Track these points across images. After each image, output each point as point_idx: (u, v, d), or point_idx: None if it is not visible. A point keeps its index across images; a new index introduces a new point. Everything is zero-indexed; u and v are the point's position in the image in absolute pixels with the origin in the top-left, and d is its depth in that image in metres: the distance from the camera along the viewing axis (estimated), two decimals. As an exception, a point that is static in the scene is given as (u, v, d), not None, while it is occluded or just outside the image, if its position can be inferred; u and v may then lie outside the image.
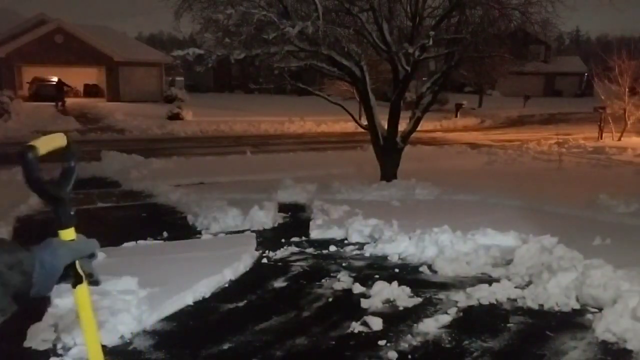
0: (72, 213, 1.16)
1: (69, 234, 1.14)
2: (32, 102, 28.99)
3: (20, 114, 22.12)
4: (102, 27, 38.53)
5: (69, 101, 31.47)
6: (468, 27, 9.37)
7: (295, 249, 6.66)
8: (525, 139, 19.28)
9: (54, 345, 4.08)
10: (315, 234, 7.17)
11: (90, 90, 37.35)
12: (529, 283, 5.41)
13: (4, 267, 0.99)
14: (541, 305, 5.02)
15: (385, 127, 10.04)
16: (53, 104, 28.61)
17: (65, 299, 4.40)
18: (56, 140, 1.23)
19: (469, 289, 5.29)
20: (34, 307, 4.45)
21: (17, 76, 33.09)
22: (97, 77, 37.07)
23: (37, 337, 4.11)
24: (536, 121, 30.00)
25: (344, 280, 5.59)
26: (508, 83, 36.21)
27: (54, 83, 30.77)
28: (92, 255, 1.21)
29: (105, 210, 8.73)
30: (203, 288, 5.17)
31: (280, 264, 6.21)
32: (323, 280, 5.65)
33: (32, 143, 1.11)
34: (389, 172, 9.98)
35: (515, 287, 5.33)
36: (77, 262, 1.14)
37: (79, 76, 36.54)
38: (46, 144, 1.17)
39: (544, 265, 5.51)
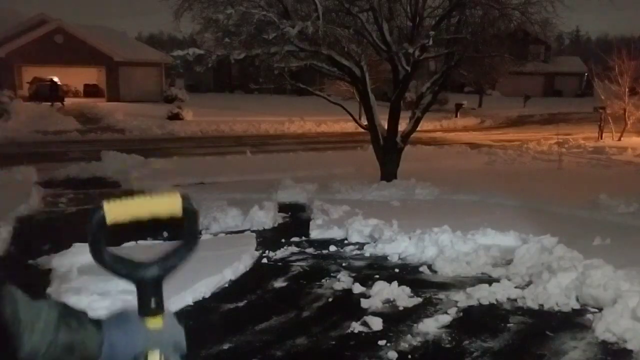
0: (162, 297, 0.88)
1: (155, 322, 0.87)
2: (32, 102, 28.97)
3: (20, 114, 22.12)
4: (102, 27, 38.54)
5: (69, 101, 31.46)
6: (468, 27, 9.37)
7: (295, 249, 6.66)
8: (525, 138, 19.28)
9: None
10: (315, 234, 7.18)
11: (90, 90, 37.33)
12: (529, 283, 5.41)
13: (61, 349, 0.76)
14: (541, 305, 5.02)
15: (385, 127, 10.04)
16: (49, 104, 28.62)
17: (65, 298, 4.40)
18: (159, 204, 0.85)
19: (469, 289, 5.29)
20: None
21: (17, 76, 33.09)
22: (97, 77, 37.06)
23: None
24: (536, 121, 30.00)
25: (344, 280, 5.59)
26: (508, 83, 36.21)
27: (47, 83, 30.79)
28: (178, 349, 0.89)
29: (105, 210, 8.70)
30: (203, 288, 5.17)
31: (280, 264, 6.22)
32: (323, 280, 5.65)
33: (106, 203, 0.82)
34: (389, 172, 9.98)
35: (515, 287, 5.33)
36: (156, 355, 0.86)
37: (79, 76, 36.54)
38: (135, 207, 0.84)
39: (544, 265, 5.51)
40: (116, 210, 0.83)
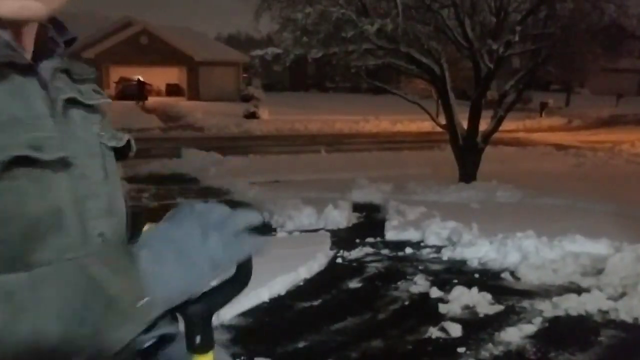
0: (210, 333, 0.81)
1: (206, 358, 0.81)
2: (118, 100, 30.54)
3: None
4: (183, 28, 40.07)
5: (152, 100, 32.90)
6: (557, 22, 8.91)
7: (370, 250, 6.57)
8: (617, 140, 18.09)
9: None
10: (390, 235, 7.05)
11: (172, 90, 38.89)
12: (623, 294, 5.07)
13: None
14: (636, 319, 4.69)
15: (465, 126, 9.75)
16: (138, 103, 30.04)
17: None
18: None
19: (555, 299, 5.01)
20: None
21: (104, 76, 34.96)
22: (179, 76, 38.55)
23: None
24: (630, 121, 28.11)
25: (420, 284, 5.45)
26: (599, 81, 34.22)
27: (134, 83, 32.35)
28: None
29: (185, 205, 8.98)
30: (278, 285, 5.20)
31: (354, 264, 6.15)
32: (399, 283, 5.53)
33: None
34: (468, 173, 9.68)
35: (607, 299, 5.00)
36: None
37: (162, 76, 38.15)
38: None
39: (640, 276, 5.13)
40: None
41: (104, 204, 0.86)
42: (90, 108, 0.90)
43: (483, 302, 4.96)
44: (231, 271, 0.81)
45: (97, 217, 0.83)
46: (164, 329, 0.92)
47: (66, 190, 0.77)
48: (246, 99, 30.50)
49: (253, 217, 0.79)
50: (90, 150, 0.86)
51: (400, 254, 6.46)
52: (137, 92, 31.15)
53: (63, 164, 0.77)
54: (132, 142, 1.00)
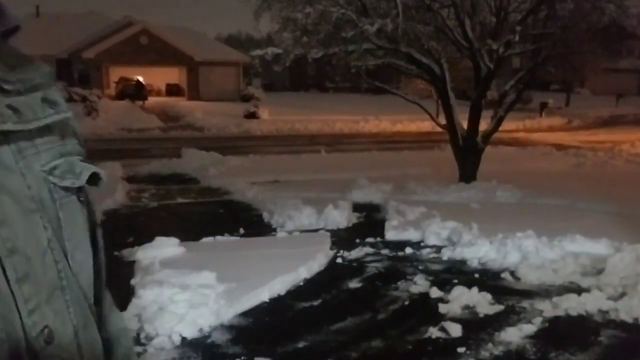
0: None
1: None
2: (118, 100, 30.50)
3: (107, 112, 23.33)
4: (183, 28, 40.02)
5: (152, 100, 32.86)
6: (557, 22, 8.90)
7: (370, 250, 6.57)
8: (617, 140, 18.04)
9: (138, 335, 4.22)
10: (390, 235, 7.05)
11: (172, 90, 38.84)
12: (623, 294, 5.07)
13: None
14: (636, 319, 4.69)
15: (465, 126, 9.74)
16: (133, 102, 30.03)
17: (148, 290, 4.54)
18: None
19: (555, 299, 5.01)
20: (119, 297, 4.62)
21: (104, 76, 34.94)
22: (179, 76, 38.49)
23: (121, 327, 4.25)
24: (630, 121, 28.04)
25: (420, 284, 5.45)
26: (599, 80, 34.04)
27: (133, 83, 32.33)
28: None
29: (184, 205, 8.99)
30: (278, 285, 5.20)
31: (354, 264, 6.15)
32: (399, 283, 5.53)
33: None
34: (468, 173, 9.67)
35: (608, 299, 5.00)
36: None
37: (162, 76, 38.08)
38: None
39: (640, 276, 5.13)
40: None
41: (51, 281, 0.60)
42: (38, 131, 0.62)
43: (483, 302, 4.96)
44: None
45: (36, 308, 0.58)
46: None
47: None
48: (246, 99, 30.48)
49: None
50: (25, 205, 0.59)
51: (400, 254, 6.46)
52: (135, 92, 31.14)
53: None
54: (101, 174, 0.70)
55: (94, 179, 0.69)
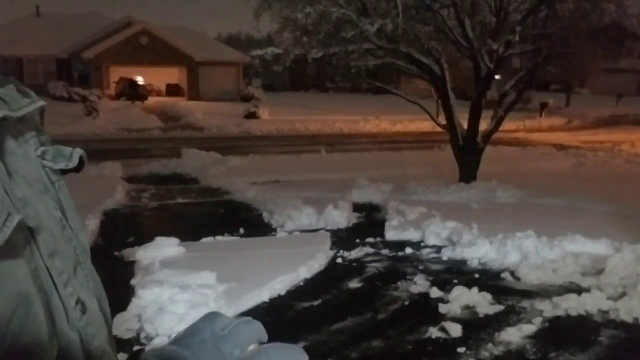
0: None
1: None
2: (118, 100, 30.50)
3: (107, 112, 23.33)
4: (183, 28, 40.02)
5: (152, 100, 32.85)
6: (557, 22, 8.89)
7: (370, 250, 6.57)
8: (617, 140, 18.01)
9: (138, 335, 4.22)
10: (390, 235, 7.05)
11: (172, 90, 38.83)
12: (623, 294, 5.08)
13: None
14: (636, 319, 4.70)
15: (465, 126, 9.74)
16: (133, 103, 30.05)
17: (148, 290, 4.54)
18: None
19: (555, 298, 5.02)
20: (119, 297, 4.62)
21: (105, 76, 34.94)
22: (179, 76, 38.49)
23: (122, 327, 4.26)
24: (630, 121, 28.01)
25: (420, 284, 5.45)
26: (599, 81, 33.97)
27: (130, 83, 32.36)
28: None
29: (185, 205, 8.99)
30: (279, 285, 5.20)
31: (354, 264, 6.15)
32: (399, 283, 5.53)
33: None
34: (468, 173, 9.67)
35: (608, 299, 5.01)
36: None
37: (162, 76, 38.08)
38: None
39: (640, 276, 5.13)
40: None
41: (72, 256, 0.63)
42: (19, 121, 0.62)
43: (483, 302, 4.96)
44: None
45: (68, 281, 0.61)
46: None
47: (25, 263, 0.55)
48: (246, 99, 30.49)
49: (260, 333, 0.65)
50: (37, 187, 0.61)
51: (400, 253, 6.46)
52: (132, 92, 31.18)
53: (21, 232, 0.55)
54: (84, 156, 0.68)
55: (79, 163, 0.69)
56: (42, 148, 0.65)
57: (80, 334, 0.60)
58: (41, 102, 0.67)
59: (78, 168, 0.69)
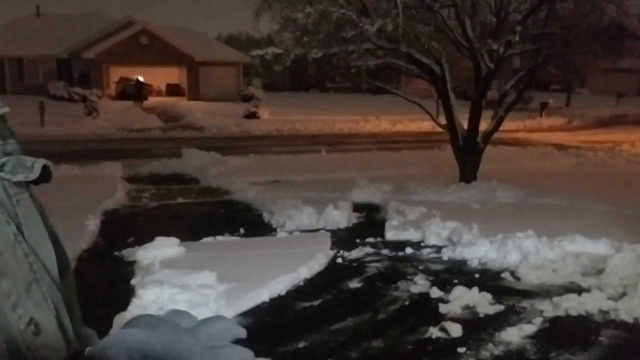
0: None
1: None
2: (118, 100, 30.48)
3: (107, 112, 23.32)
4: (184, 28, 39.99)
5: (152, 100, 32.83)
6: (557, 22, 8.89)
7: (370, 250, 6.57)
8: (618, 140, 18.01)
9: (137, 335, 4.21)
10: (390, 235, 7.05)
11: (172, 90, 38.79)
12: (623, 294, 5.07)
13: None
14: (636, 319, 4.69)
15: (465, 126, 9.74)
16: (135, 103, 30.04)
17: (148, 290, 4.54)
18: None
19: (555, 299, 5.02)
20: (120, 297, 4.62)
21: (105, 76, 34.92)
22: (179, 76, 38.46)
23: (121, 327, 4.25)
24: (630, 121, 27.99)
25: (420, 284, 5.45)
26: (599, 80, 33.96)
27: (132, 83, 32.35)
28: None
29: (185, 205, 8.99)
30: (279, 285, 5.20)
31: (355, 264, 6.15)
32: (399, 283, 5.53)
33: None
34: (468, 173, 9.67)
35: (608, 299, 5.00)
36: None
37: (162, 76, 38.05)
38: None
39: (640, 276, 5.13)
40: None
41: (26, 274, 0.60)
42: None
43: (483, 302, 4.96)
44: None
45: (18, 301, 0.58)
46: None
47: None
48: (246, 99, 30.47)
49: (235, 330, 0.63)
50: None
51: (401, 254, 6.46)
52: (135, 92, 31.14)
53: None
54: (50, 166, 0.66)
55: (44, 173, 0.65)
56: (2, 160, 0.61)
57: (34, 357, 0.57)
58: (5, 109, 0.64)
59: (44, 179, 0.65)
